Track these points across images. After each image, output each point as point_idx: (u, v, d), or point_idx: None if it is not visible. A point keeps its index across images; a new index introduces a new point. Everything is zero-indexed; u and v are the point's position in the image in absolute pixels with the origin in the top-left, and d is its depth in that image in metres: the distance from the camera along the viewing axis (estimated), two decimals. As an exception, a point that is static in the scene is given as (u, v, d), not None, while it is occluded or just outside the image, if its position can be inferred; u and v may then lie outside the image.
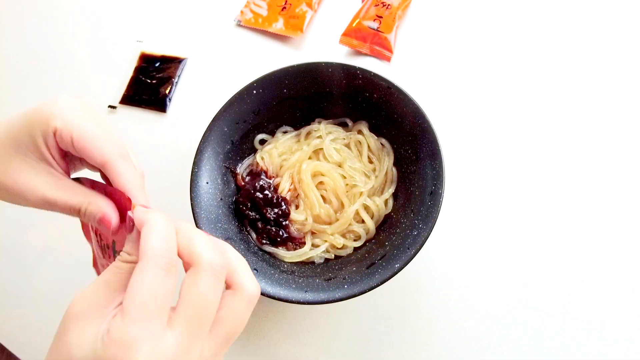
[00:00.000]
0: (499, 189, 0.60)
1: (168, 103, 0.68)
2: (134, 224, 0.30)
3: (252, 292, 0.29)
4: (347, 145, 0.58)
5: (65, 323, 0.26)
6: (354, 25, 0.69)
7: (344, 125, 0.59)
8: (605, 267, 0.55)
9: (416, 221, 0.49)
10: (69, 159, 0.35)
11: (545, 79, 0.65)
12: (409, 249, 0.47)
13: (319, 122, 0.59)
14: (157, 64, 0.71)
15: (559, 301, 0.54)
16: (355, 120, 0.59)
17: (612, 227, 0.57)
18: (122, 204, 0.32)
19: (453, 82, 0.66)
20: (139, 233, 0.28)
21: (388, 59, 0.68)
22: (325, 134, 0.58)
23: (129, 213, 0.30)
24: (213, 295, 0.27)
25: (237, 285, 0.29)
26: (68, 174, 0.34)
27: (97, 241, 0.36)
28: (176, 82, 0.70)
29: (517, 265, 0.56)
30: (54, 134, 0.31)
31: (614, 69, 0.65)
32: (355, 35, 0.68)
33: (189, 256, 0.27)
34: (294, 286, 0.49)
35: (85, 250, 0.61)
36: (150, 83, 0.70)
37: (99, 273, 0.35)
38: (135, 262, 0.27)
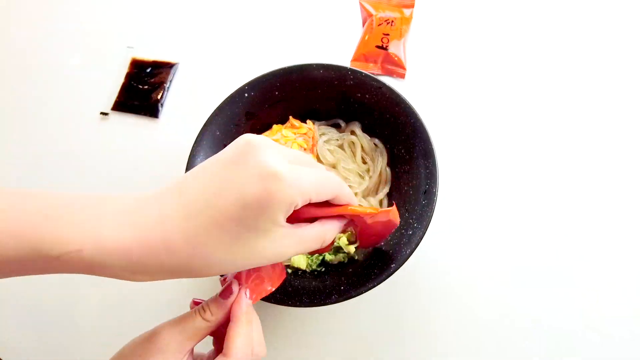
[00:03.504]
0: (493, 186, 0.60)
1: (160, 108, 0.68)
2: (229, 295, 0.35)
3: None
4: (341, 147, 0.58)
5: (148, 352, 0.32)
6: (362, 48, 0.68)
7: (336, 126, 0.59)
8: (600, 265, 0.55)
9: (411, 220, 0.49)
10: None
11: (538, 77, 0.65)
12: (404, 249, 0.47)
13: (312, 124, 0.58)
14: (148, 70, 0.71)
15: (553, 299, 0.54)
16: (347, 121, 0.59)
17: (606, 226, 0.57)
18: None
19: (445, 81, 0.66)
20: (229, 306, 0.34)
21: (402, 76, 0.67)
22: (318, 136, 0.58)
23: (233, 286, 0.35)
24: None
25: (228, 354, 0.33)
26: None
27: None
28: (168, 88, 0.70)
29: (513, 263, 0.56)
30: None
31: (607, 71, 0.65)
32: (365, 58, 0.68)
33: (226, 349, 0.33)
34: (290, 289, 0.49)
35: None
36: (142, 89, 0.70)
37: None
38: (211, 323, 0.34)
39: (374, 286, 0.46)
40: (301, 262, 0.52)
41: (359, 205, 0.36)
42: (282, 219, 0.29)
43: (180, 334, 0.32)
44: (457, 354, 0.53)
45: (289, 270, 0.53)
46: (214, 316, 0.34)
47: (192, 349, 0.34)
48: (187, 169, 0.52)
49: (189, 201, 0.29)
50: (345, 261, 0.53)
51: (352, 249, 0.53)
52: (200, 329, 0.33)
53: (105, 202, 0.29)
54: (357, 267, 0.51)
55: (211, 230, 0.28)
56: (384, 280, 0.46)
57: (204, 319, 0.33)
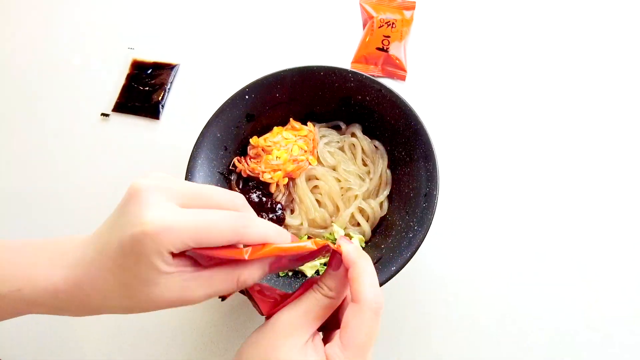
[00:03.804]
0: (494, 189, 0.60)
1: (161, 110, 0.68)
2: (341, 262, 0.33)
3: (374, 304, 0.31)
4: (341, 149, 0.58)
5: (275, 338, 0.31)
6: (362, 50, 0.68)
7: (337, 128, 0.59)
8: (599, 267, 0.55)
9: (411, 223, 0.49)
10: None
11: (539, 79, 0.65)
12: (405, 251, 0.47)
13: (312, 126, 0.58)
14: (149, 71, 0.71)
15: (553, 301, 0.54)
16: (348, 123, 0.59)
17: (605, 228, 0.57)
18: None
19: (446, 83, 0.66)
20: (345, 271, 0.33)
21: (403, 78, 0.67)
22: (319, 138, 0.58)
23: (335, 247, 0.33)
24: (373, 330, 0.31)
25: (361, 298, 0.31)
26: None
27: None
28: (168, 89, 0.70)
29: (513, 265, 0.56)
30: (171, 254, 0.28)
31: (607, 76, 0.65)
32: (365, 60, 0.68)
33: (357, 292, 0.31)
34: (291, 291, 0.48)
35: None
36: (143, 90, 0.70)
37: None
38: (333, 298, 0.33)
39: (374, 289, 0.46)
40: (306, 268, 0.52)
41: (280, 245, 0.31)
42: (162, 265, 0.28)
43: (305, 316, 0.32)
44: (456, 355, 0.53)
45: (290, 273, 0.53)
46: (333, 290, 0.33)
47: (316, 330, 0.33)
48: (188, 170, 0.52)
49: (97, 245, 0.30)
50: None
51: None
52: (324, 307, 0.33)
53: (47, 246, 0.31)
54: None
55: (105, 276, 0.29)
56: (385, 282, 0.46)
57: (324, 295, 0.33)
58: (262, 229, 0.31)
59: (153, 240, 0.27)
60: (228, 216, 0.30)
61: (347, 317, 0.31)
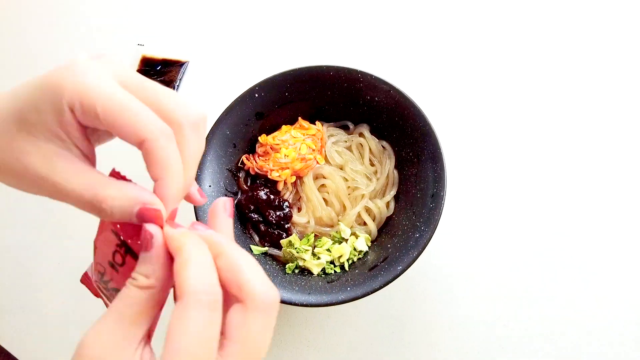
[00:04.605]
0: (501, 190, 0.60)
1: (169, 106, 0.69)
2: (151, 239, 0.24)
3: (265, 301, 0.24)
4: (349, 148, 0.58)
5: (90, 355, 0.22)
6: None
7: (345, 128, 0.60)
8: (609, 272, 0.56)
9: (418, 223, 0.50)
10: (96, 133, 0.28)
11: (547, 81, 0.66)
12: (411, 251, 0.48)
13: (321, 125, 0.59)
14: (158, 68, 0.71)
15: (560, 302, 0.55)
16: (356, 123, 0.59)
17: (616, 229, 0.57)
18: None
19: (455, 85, 0.66)
20: (167, 254, 0.25)
21: None
22: (327, 137, 0.58)
23: (148, 227, 0.25)
24: (267, 335, 0.24)
25: (247, 296, 0.24)
26: (92, 155, 0.28)
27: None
28: (177, 86, 0.70)
29: (520, 267, 0.56)
30: (72, 110, 0.23)
31: (615, 76, 0.65)
32: None
33: (238, 289, 0.24)
34: (297, 289, 0.49)
35: (83, 253, 0.62)
36: (152, 86, 0.70)
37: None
38: (153, 288, 0.24)
39: (380, 288, 0.47)
40: (313, 266, 0.52)
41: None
42: (50, 116, 0.24)
43: (117, 324, 0.23)
44: (462, 355, 0.53)
45: (296, 271, 0.53)
46: (151, 278, 0.24)
47: (148, 334, 0.25)
48: (198, 168, 0.52)
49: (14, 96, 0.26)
50: (356, 259, 0.53)
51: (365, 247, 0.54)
52: (142, 303, 0.24)
53: None
54: (363, 269, 0.51)
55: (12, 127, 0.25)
56: (391, 282, 0.47)
57: (140, 287, 0.24)
58: (168, 164, 0.25)
59: (63, 81, 0.23)
60: (154, 121, 0.24)
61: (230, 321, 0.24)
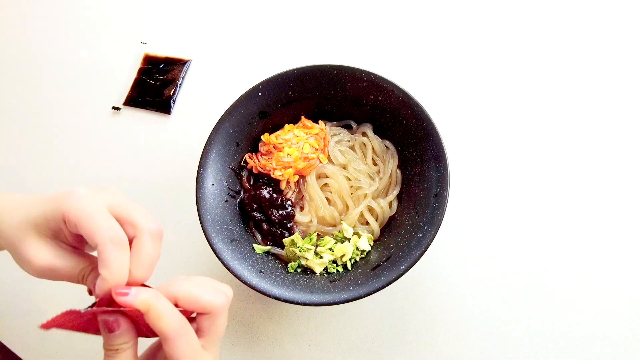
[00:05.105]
0: (504, 191, 0.60)
1: (172, 105, 0.69)
2: (116, 323, 0.33)
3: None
4: (352, 148, 0.58)
5: None
6: None
7: (348, 127, 0.60)
8: (610, 272, 0.56)
9: (421, 223, 0.50)
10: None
11: (551, 81, 0.66)
12: (414, 251, 0.48)
13: (324, 124, 0.59)
14: (161, 66, 0.71)
15: (561, 302, 0.55)
16: (359, 123, 0.59)
17: (617, 231, 0.57)
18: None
19: (458, 85, 0.66)
20: (129, 323, 0.34)
21: None
22: (330, 136, 0.58)
23: (107, 317, 0.33)
24: (223, 322, 0.35)
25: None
26: (82, 248, 0.38)
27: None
28: (180, 84, 0.70)
29: (522, 267, 0.56)
30: (64, 221, 0.34)
31: (619, 78, 0.65)
32: None
33: (196, 305, 0.34)
34: (299, 288, 0.49)
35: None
36: (154, 85, 0.70)
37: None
38: (131, 346, 0.34)
39: (383, 287, 0.47)
40: (315, 266, 0.52)
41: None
42: (56, 226, 0.35)
43: None
44: (464, 355, 0.53)
45: (299, 270, 0.53)
46: (129, 342, 0.34)
47: None
48: (200, 165, 0.52)
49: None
50: (358, 258, 0.53)
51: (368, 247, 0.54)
52: (129, 356, 0.34)
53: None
54: (366, 268, 0.51)
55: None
56: (393, 281, 0.47)
57: (124, 350, 0.34)
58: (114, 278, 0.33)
59: (62, 202, 0.34)
60: (107, 232, 0.33)
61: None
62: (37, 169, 0.67)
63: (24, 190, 0.65)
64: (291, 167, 0.55)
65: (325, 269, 0.53)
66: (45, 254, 0.36)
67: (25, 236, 0.36)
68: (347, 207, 0.56)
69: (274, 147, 0.56)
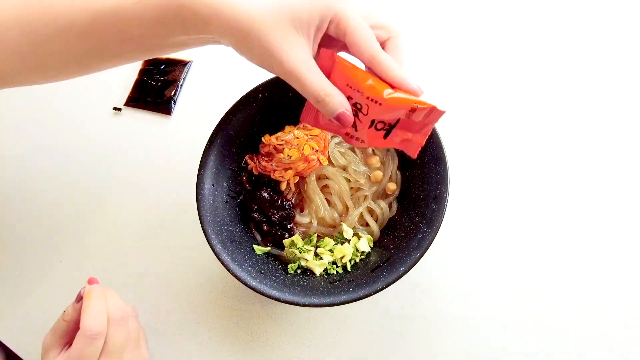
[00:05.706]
0: (504, 193, 0.60)
1: (173, 106, 0.69)
2: (80, 299, 0.44)
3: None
4: (352, 149, 0.58)
5: (42, 352, 0.45)
6: None
7: (348, 128, 0.60)
8: (610, 273, 0.56)
9: (421, 225, 0.50)
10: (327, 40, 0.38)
11: (551, 83, 0.66)
12: (413, 252, 0.48)
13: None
14: (162, 66, 0.71)
15: (562, 306, 0.55)
16: (359, 124, 0.59)
17: (618, 232, 0.57)
18: None
19: (458, 86, 0.67)
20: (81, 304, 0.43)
21: None
22: (330, 138, 0.58)
23: (81, 290, 0.45)
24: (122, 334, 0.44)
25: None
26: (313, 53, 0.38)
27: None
28: (181, 85, 0.70)
29: (522, 269, 0.56)
30: (330, 21, 0.34)
31: (618, 81, 0.66)
32: None
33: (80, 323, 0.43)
34: (299, 289, 0.49)
35: (85, 251, 0.62)
36: (155, 85, 0.70)
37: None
38: (71, 324, 0.44)
39: (382, 289, 0.47)
40: (315, 267, 0.52)
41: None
42: (316, 25, 0.34)
43: (52, 335, 0.44)
44: (463, 357, 0.53)
45: (299, 271, 0.53)
46: (69, 316, 0.44)
47: (67, 346, 0.44)
48: (201, 166, 0.52)
49: None
50: (358, 259, 0.53)
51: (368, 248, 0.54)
52: (62, 329, 0.44)
53: None
54: (366, 270, 0.51)
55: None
56: (393, 283, 0.47)
57: (64, 320, 0.44)
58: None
59: (335, 3, 0.34)
60: (374, 44, 0.37)
61: None
62: (37, 169, 0.67)
63: (24, 191, 0.66)
64: (291, 169, 0.55)
65: (325, 270, 0.53)
66: (299, 57, 0.34)
67: (283, 28, 0.33)
68: (347, 208, 0.56)
69: (274, 148, 0.57)
